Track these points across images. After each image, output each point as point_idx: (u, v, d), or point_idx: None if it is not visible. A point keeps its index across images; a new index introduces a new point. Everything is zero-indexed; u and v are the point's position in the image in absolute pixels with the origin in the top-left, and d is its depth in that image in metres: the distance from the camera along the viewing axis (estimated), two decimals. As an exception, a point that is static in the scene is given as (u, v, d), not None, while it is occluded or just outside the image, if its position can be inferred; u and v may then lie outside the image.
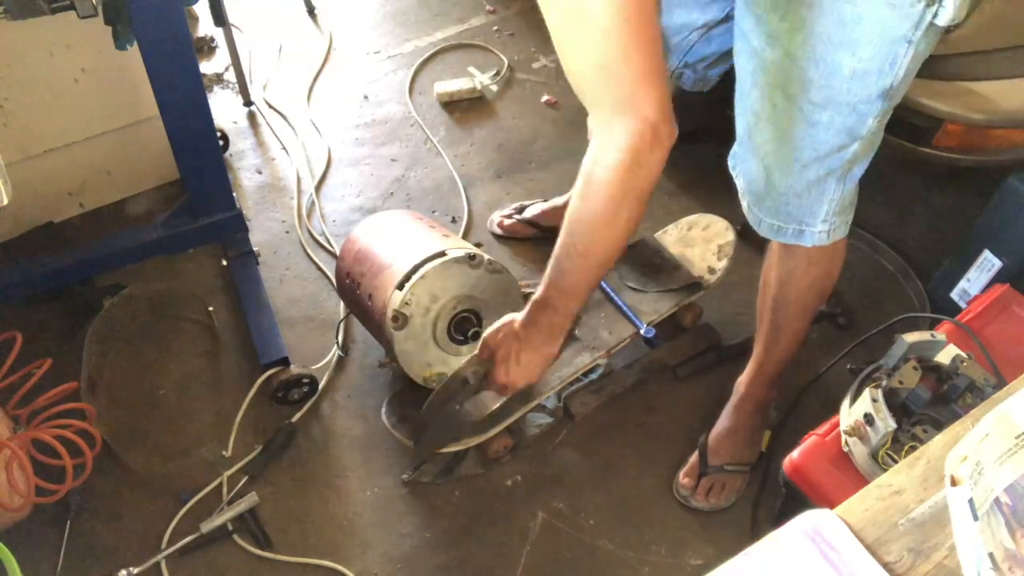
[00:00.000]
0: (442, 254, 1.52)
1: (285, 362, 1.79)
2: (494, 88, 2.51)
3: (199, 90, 1.69)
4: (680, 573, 1.57)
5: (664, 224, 1.92)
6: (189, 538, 1.58)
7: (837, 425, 1.34)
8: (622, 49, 0.99)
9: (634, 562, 1.59)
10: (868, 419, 1.25)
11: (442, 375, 1.59)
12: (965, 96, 1.66)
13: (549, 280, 1.24)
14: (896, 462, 1.12)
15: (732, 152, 1.42)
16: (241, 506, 1.62)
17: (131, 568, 1.52)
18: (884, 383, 1.29)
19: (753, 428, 1.67)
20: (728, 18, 1.42)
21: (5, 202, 1.19)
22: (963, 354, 1.31)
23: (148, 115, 1.98)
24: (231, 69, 2.47)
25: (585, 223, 1.16)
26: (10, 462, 1.46)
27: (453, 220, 2.17)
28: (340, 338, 1.88)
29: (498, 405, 1.47)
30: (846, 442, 1.31)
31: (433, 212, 2.19)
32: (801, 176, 1.26)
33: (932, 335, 1.35)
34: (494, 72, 2.54)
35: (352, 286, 1.65)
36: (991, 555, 0.68)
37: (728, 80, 1.37)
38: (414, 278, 1.49)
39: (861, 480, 1.26)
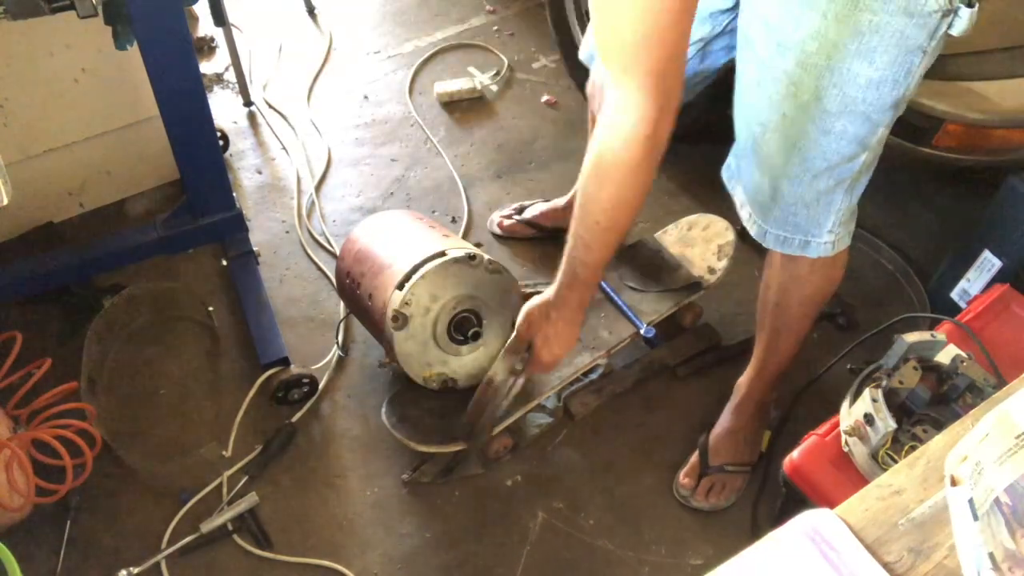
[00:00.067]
0: (442, 254, 1.52)
1: (285, 362, 1.79)
2: (494, 88, 2.51)
3: (199, 90, 1.69)
4: (680, 573, 1.57)
5: (664, 224, 1.92)
6: (189, 538, 1.58)
7: (837, 425, 1.35)
8: (669, 24, 1.04)
9: (634, 562, 1.59)
10: (868, 419, 1.25)
11: (442, 375, 1.59)
12: (965, 96, 1.66)
13: (576, 258, 1.32)
14: (896, 462, 1.12)
15: (727, 163, 1.41)
16: (241, 506, 1.62)
17: (131, 568, 1.52)
18: (884, 383, 1.29)
19: (754, 428, 1.67)
20: (724, 32, 1.41)
21: (5, 202, 1.19)
22: (963, 354, 1.31)
23: (148, 115, 1.98)
24: (231, 69, 2.47)
25: (609, 198, 1.20)
26: (10, 462, 1.46)
27: (453, 220, 2.17)
28: (340, 338, 1.88)
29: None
30: (846, 442, 1.31)
31: (433, 212, 2.19)
32: (811, 186, 1.26)
33: (932, 335, 1.35)
34: (494, 72, 2.55)
35: (352, 286, 1.65)
36: (991, 555, 0.68)
37: (727, 78, 1.37)
38: (414, 278, 1.49)
39: (861, 480, 1.26)
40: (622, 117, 1.11)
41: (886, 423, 1.22)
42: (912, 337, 1.33)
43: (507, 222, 2.11)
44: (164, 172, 2.16)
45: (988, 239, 1.70)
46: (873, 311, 1.91)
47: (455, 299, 1.53)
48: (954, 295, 1.80)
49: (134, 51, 1.59)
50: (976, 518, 0.70)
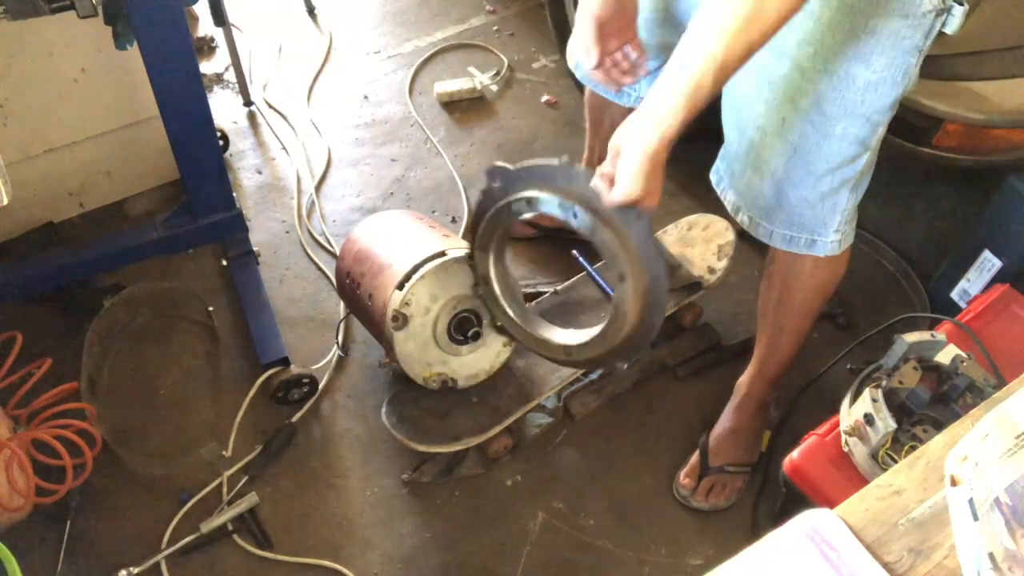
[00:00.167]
0: (442, 254, 1.52)
1: (285, 362, 1.79)
2: (494, 88, 2.51)
3: (199, 90, 1.69)
4: (680, 573, 1.57)
5: (664, 224, 1.92)
6: (189, 538, 1.58)
7: (837, 425, 1.34)
8: None
9: (634, 562, 1.59)
10: (868, 419, 1.25)
11: (442, 375, 1.59)
12: (965, 96, 1.66)
13: (686, 113, 1.05)
14: (896, 462, 1.12)
15: (715, 168, 1.41)
16: (241, 506, 1.62)
17: (131, 568, 1.52)
18: (884, 383, 1.29)
19: (754, 428, 1.68)
20: None
21: (5, 202, 1.19)
22: (963, 354, 1.31)
23: (148, 115, 1.98)
24: (231, 69, 2.47)
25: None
26: (10, 462, 1.46)
27: (453, 220, 2.17)
28: (340, 338, 1.88)
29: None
30: (846, 442, 1.31)
31: (433, 212, 2.19)
32: (815, 188, 1.26)
33: (932, 335, 1.35)
34: (494, 72, 2.54)
35: (352, 286, 1.65)
36: (991, 555, 0.68)
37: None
38: (414, 278, 1.49)
39: (861, 480, 1.26)
40: None
41: (886, 423, 1.22)
42: (912, 337, 1.33)
43: (507, 222, 2.11)
44: (164, 172, 2.16)
45: (988, 239, 1.70)
46: (873, 311, 1.91)
47: (455, 299, 1.53)
48: (954, 295, 1.80)
49: (134, 51, 1.59)
50: (976, 518, 0.70)
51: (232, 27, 2.30)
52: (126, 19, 1.54)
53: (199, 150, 1.78)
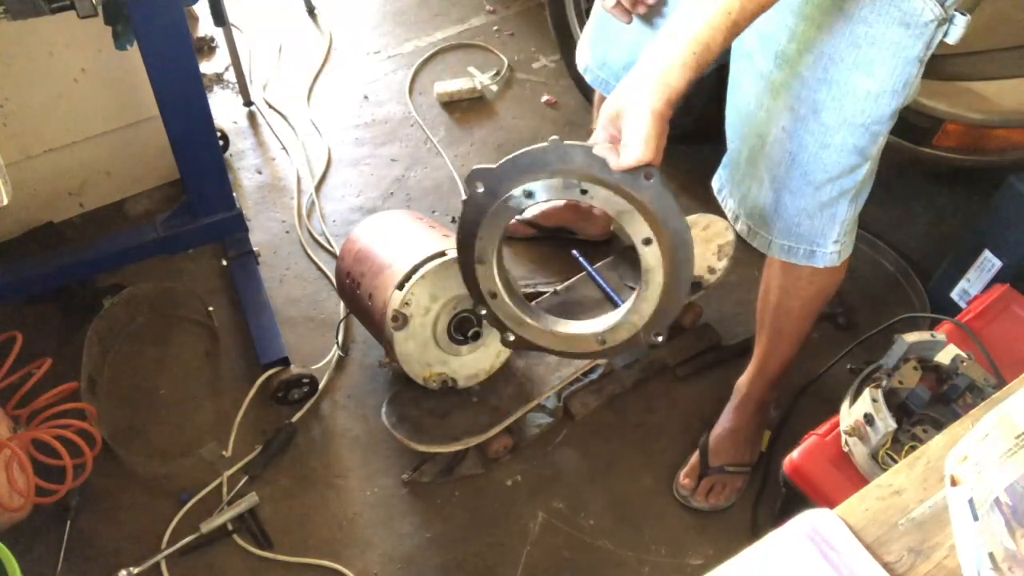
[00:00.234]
0: (442, 254, 1.52)
1: (285, 362, 1.79)
2: (494, 88, 2.51)
3: (199, 90, 1.69)
4: (680, 573, 1.57)
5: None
6: (189, 538, 1.58)
7: (837, 425, 1.35)
8: None
9: (634, 562, 1.59)
10: (868, 419, 1.25)
11: (442, 375, 1.59)
12: (965, 96, 1.66)
13: (692, 72, 1.00)
14: (896, 462, 1.12)
15: (717, 175, 1.41)
16: (241, 506, 1.62)
17: (131, 568, 1.52)
18: (884, 383, 1.29)
19: (754, 429, 1.67)
20: None
21: (5, 202, 1.19)
22: (963, 354, 1.31)
23: (148, 115, 1.98)
24: (231, 69, 2.47)
25: None
26: (10, 462, 1.46)
27: (453, 220, 2.17)
28: (340, 338, 1.88)
29: None
30: (846, 442, 1.31)
31: (433, 212, 2.19)
32: (813, 198, 1.25)
33: (932, 335, 1.35)
34: (494, 72, 2.55)
35: (352, 286, 1.65)
36: (991, 555, 0.68)
37: (725, 78, 1.36)
38: (414, 278, 1.49)
39: (861, 480, 1.26)
40: None
41: (886, 423, 1.22)
42: (912, 337, 1.33)
43: (507, 222, 2.11)
44: (164, 172, 2.16)
45: (988, 239, 1.70)
46: (873, 311, 1.91)
47: (455, 299, 1.53)
48: (954, 295, 1.80)
49: (134, 51, 1.59)
50: (976, 518, 0.70)
51: (232, 27, 2.30)
52: (126, 19, 1.54)
53: (199, 150, 1.78)
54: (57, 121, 1.94)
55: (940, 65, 1.63)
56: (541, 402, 1.68)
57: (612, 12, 1.37)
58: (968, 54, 1.65)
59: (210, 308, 1.93)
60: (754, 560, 0.74)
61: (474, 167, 1.19)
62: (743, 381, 1.67)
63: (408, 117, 2.45)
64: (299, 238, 2.14)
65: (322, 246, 2.12)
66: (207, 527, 1.59)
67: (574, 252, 1.93)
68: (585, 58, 1.60)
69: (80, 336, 1.81)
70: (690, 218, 1.89)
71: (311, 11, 2.79)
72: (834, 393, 1.48)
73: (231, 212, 1.92)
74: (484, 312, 1.37)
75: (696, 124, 1.94)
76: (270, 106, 2.48)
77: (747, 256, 1.83)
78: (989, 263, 1.70)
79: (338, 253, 1.84)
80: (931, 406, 1.29)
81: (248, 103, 2.47)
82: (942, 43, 1.10)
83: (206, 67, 2.57)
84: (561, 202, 2.04)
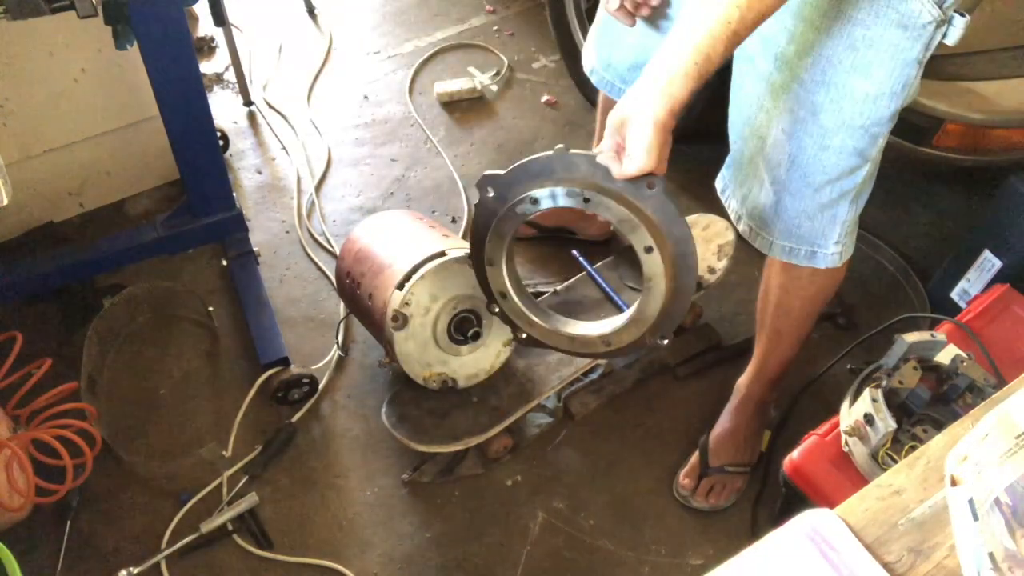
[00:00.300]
0: (442, 254, 1.52)
1: (285, 362, 1.79)
2: (494, 88, 2.51)
3: (199, 90, 1.69)
4: (680, 573, 1.57)
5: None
6: (189, 538, 1.58)
7: (837, 425, 1.34)
8: None
9: (634, 562, 1.59)
10: (868, 419, 1.25)
11: (442, 375, 1.59)
12: (965, 96, 1.66)
13: (693, 82, 1.01)
14: (896, 462, 1.12)
15: (720, 175, 1.41)
16: (241, 506, 1.62)
17: (131, 568, 1.52)
18: (884, 383, 1.29)
19: (754, 429, 1.67)
20: None
21: (5, 202, 1.19)
22: (963, 354, 1.31)
23: (148, 115, 1.98)
24: (231, 69, 2.47)
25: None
26: (10, 462, 1.46)
27: (453, 220, 2.17)
28: (340, 338, 1.88)
29: None
30: (846, 442, 1.31)
31: (433, 212, 2.19)
32: (813, 199, 1.25)
33: (932, 335, 1.35)
34: (494, 72, 2.55)
35: (352, 286, 1.65)
36: (991, 555, 0.68)
37: (726, 78, 1.36)
38: (414, 278, 1.49)
39: (861, 480, 1.26)
40: None
41: (886, 423, 1.22)
42: (912, 337, 1.33)
43: (507, 222, 2.11)
44: (164, 172, 2.16)
45: (988, 239, 1.70)
46: (873, 311, 1.91)
47: (455, 299, 1.53)
48: (954, 295, 1.80)
49: (134, 51, 1.59)
50: (976, 518, 0.70)
51: (232, 27, 2.30)
52: (126, 19, 1.54)
53: (199, 150, 1.78)
54: (57, 121, 1.94)
55: (940, 65, 1.63)
56: (541, 402, 1.68)
57: (616, 15, 1.37)
58: (968, 54, 1.65)
59: (210, 308, 1.92)
60: (754, 560, 0.74)
61: (484, 173, 1.21)
62: (743, 381, 1.67)
63: (408, 117, 2.45)
64: (299, 238, 2.14)
65: (322, 246, 2.12)
66: (207, 527, 1.59)
67: (574, 252, 1.93)
68: (591, 60, 1.60)
69: (80, 336, 1.81)
70: (690, 218, 1.89)
71: (311, 11, 2.79)
72: (834, 393, 1.48)
73: (231, 212, 1.92)
74: (496, 311, 1.39)
75: (696, 124, 1.94)
76: (270, 106, 2.48)
77: (747, 256, 1.83)
78: (989, 263, 1.70)
79: (338, 253, 1.84)
80: (931, 406, 1.29)
81: (248, 103, 2.47)
82: (941, 44, 1.09)
83: (206, 67, 2.57)
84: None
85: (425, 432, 1.59)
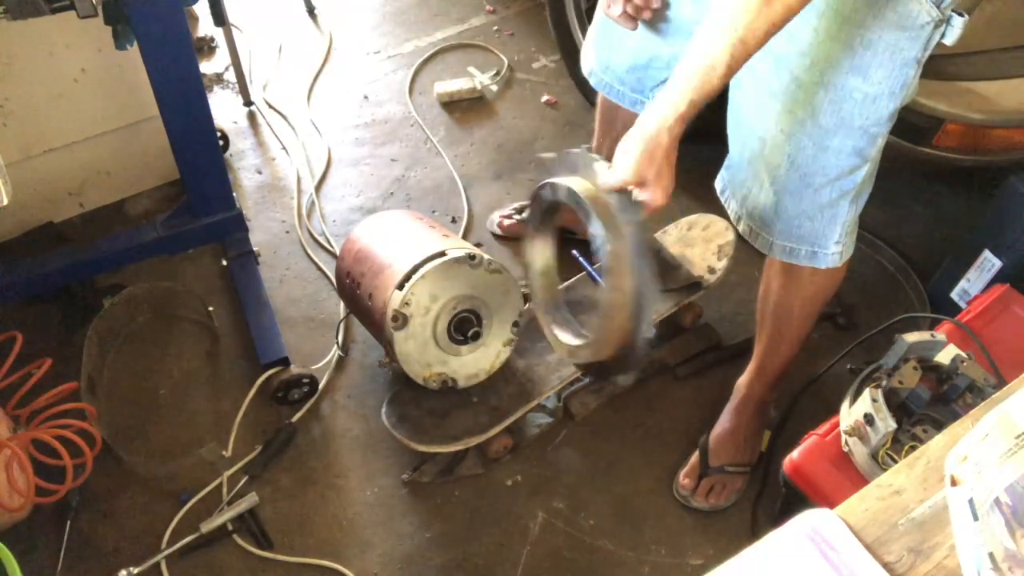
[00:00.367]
0: (442, 254, 1.52)
1: (285, 362, 1.79)
2: (494, 88, 2.51)
3: (199, 90, 1.69)
4: (680, 573, 1.57)
5: (664, 224, 1.92)
6: (189, 538, 1.58)
7: (837, 425, 1.34)
8: None
9: (634, 562, 1.59)
10: (868, 419, 1.25)
11: (442, 375, 1.59)
12: (965, 96, 1.66)
13: (695, 94, 1.06)
14: (896, 462, 1.12)
15: (720, 176, 1.41)
16: (241, 506, 1.62)
17: (131, 568, 1.52)
18: (884, 383, 1.29)
19: (754, 429, 1.67)
20: None
21: (5, 202, 1.19)
22: (963, 354, 1.31)
23: (148, 115, 1.98)
24: (231, 69, 2.47)
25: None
26: (10, 462, 1.46)
27: (453, 220, 2.17)
28: (340, 338, 1.88)
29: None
30: (846, 442, 1.31)
31: (433, 212, 2.19)
32: (813, 200, 1.25)
33: (932, 335, 1.35)
34: (494, 72, 2.54)
35: (352, 286, 1.65)
36: (991, 555, 0.68)
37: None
38: (414, 278, 1.49)
39: (861, 480, 1.26)
40: None
41: (886, 423, 1.22)
42: (912, 337, 1.33)
43: (507, 222, 2.11)
44: (164, 172, 2.16)
45: (988, 239, 1.70)
46: (873, 311, 1.91)
47: (455, 299, 1.53)
48: (954, 295, 1.80)
49: (134, 51, 1.59)
50: (976, 518, 0.70)
51: (232, 27, 2.30)
52: (126, 19, 1.54)
53: (199, 150, 1.78)
54: (57, 121, 1.94)
55: (940, 65, 1.63)
56: (541, 402, 1.68)
57: (618, 20, 1.38)
58: (968, 54, 1.65)
59: (210, 308, 1.92)
60: (754, 560, 0.74)
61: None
62: (743, 381, 1.67)
63: (408, 117, 2.45)
64: (299, 238, 2.14)
65: (322, 246, 2.12)
66: (207, 527, 1.59)
67: (574, 252, 1.92)
68: (589, 62, 1.60)
69: (80, 336, 1.81)
70: (690, 218, 1.89)
71: (311, 11, 2.79)
72: (834, 393, 1.47)
73: (231, 212, 1.92)
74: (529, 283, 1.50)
75: (696, 124, 1.94)
76: (270, 106, 2.48)
77: (747, 256, 1.83)
78: (989, 263, 1.70)
79: (338, 253, 1.84)
80: (931, 406, 1.29)
81: (248, 103, 2.47)
82: (940, 44, 1.09)
83: (206, 67, 2.57)
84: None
85: (425, 432, 1.59)
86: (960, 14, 1.06)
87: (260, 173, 2.31)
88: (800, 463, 1.33)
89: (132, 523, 1.63)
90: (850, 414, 1.31)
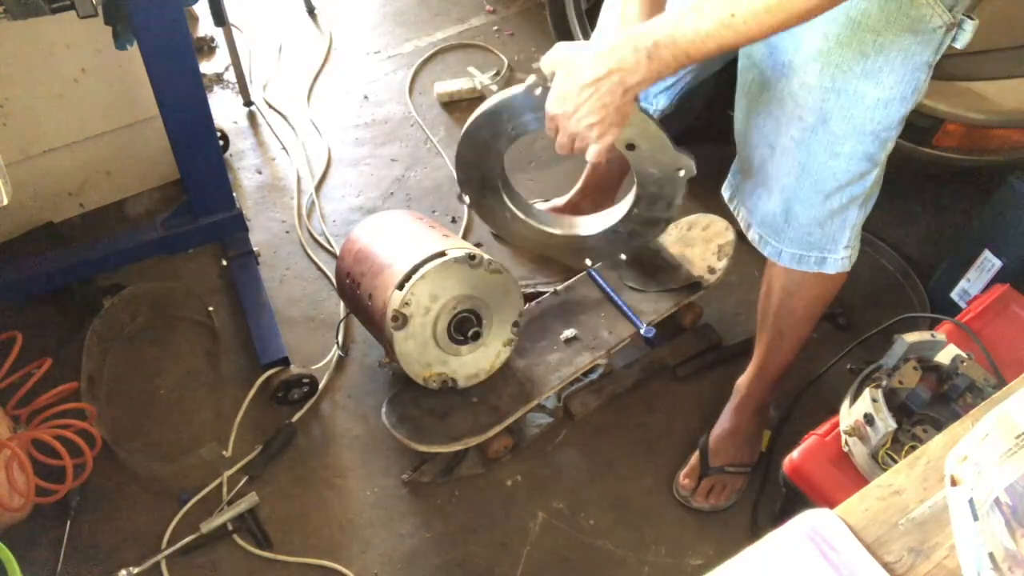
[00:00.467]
0: (442, 254, 1.52)
1: (285, 362, 1.79)
2: (494, 88, 2.51)
3: (199, 90, 1.69)
4: (680, 573, 1.57)
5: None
6: (189, 538, 1.58)
7: (837, 425, 1.34)
8: None
9: (634, 562, 1.59)
10: (868, 419, 1.25)
11: (442, 375, 1.59)
12: (965, 96, 1.66)
13: (686, 30, 0.98)
14: (896, 462, 1.12)
15: (727, 183, 1.40)
16: (241, 506, 1.62)
17: (131, 568, 1.52)
18: (884, 383, 1.29)
19: (754, 429, 1.67)
20: None
21: (5, 202, 1.19)
22: (963, 354, 1.31)
23: (148, 115, 1.98)
24: (231, 69, 2.47)
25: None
26: (10, 462, 1.46)
27: (453, 220, 2.17)
28: (340, 338, 1.88)
29: None
30: (846, 442, 1.31)
31: (433, 212, 2.19)
32: (824, 206, 1.25)
33: (932, 335, 1.35)
34: (494, 72, 2.54)
35: (352, 286, 1.65)
36: (991, 555, 0.68)
37: (726, 78, 1.36)
38: (414, 278, 1.49)
39: (861, 480, 1.26)
40: None
41: (886, 423, 1.22)
42: (912, 337, 1.33)
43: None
44: (164, 172, 2.16)
45: (988, 239, 1.70)
46: (873, 311, 1.91)
47: (455, 299, 1.53)
48: (954, 295, 1.80)
49: (134, 51, 1.59)
50: (976, 518, 0.70)
51: (232, 27, 2.30)
52: (126, 19, 1.54)
53: (199, 150, 1.78)
54: (57, 121, 1.94)
55: (940, 65, 1.62)
56: (541, 402, 1.68)
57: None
58: (968, 54, 1.64)
59: (210, 308, 1.93)
60: (754, 560, 0.74)
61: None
62: (743, 381, 1.67)
63: (408, 117, 2.45)
64: (299, 238, 2.14)
65: (322, 246, 2.12)
66: (207, 527, 1.59)
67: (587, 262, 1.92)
68: None
69: (80, 336, 1.81)
70: (690, 218, 1.89)
71: (311, 11, 2.79)
72: (834, 393, 1.48)
73: (231, 212, 1.92)
74: (467, 202, 1.53)
75: (696, 124, 1.94)
76: (270, 106, 2.48)
77: (747, 256, 1.83)
78: (989, 263, 1.70)
79: (338, 253, 1.84)
80: (931, 406, 1.29)
81: (248, 103, 2.47)
82: (949, 46, 1.09)
83: (206, 67, 2.57)
84: (561, 202, 2.04)
85: (425, 432, 1.59)
86: (971, 17, 1.06)
87: (260, 173, 2.31)
88: (800, 463, 1.33)
89: (132, 523, 1.63)
90: (850, 414, 1.31)
